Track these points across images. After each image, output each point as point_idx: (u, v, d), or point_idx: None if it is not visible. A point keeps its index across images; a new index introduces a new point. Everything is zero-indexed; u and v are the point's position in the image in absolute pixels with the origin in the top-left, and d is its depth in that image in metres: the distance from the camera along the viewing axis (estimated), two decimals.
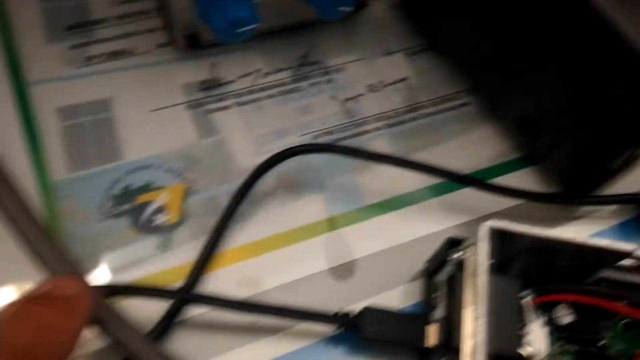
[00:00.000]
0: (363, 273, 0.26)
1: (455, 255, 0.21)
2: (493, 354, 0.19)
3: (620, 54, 0.22)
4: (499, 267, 0.22)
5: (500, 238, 0.21)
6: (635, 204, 0.28)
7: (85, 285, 0.19)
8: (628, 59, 0.21)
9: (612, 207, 0.28)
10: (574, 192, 0.28)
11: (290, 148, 0.26)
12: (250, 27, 0.26)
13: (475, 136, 0.30)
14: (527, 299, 0.21)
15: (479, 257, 0.20)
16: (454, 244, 0.22)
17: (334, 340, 0.25)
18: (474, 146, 0.30)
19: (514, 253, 0.22)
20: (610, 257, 0.21)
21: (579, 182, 0.27)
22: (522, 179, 0.29)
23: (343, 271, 0.26)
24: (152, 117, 0.29)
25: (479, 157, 0.30)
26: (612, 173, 0.26)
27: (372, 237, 0.27)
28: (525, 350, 0.20)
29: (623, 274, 0.22)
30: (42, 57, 0.29)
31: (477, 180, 0.28)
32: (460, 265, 0.21)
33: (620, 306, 0.21)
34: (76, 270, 0.21)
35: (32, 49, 0.29)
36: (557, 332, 0.24)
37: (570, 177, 0.27)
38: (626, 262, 0.22)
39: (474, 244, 0.21)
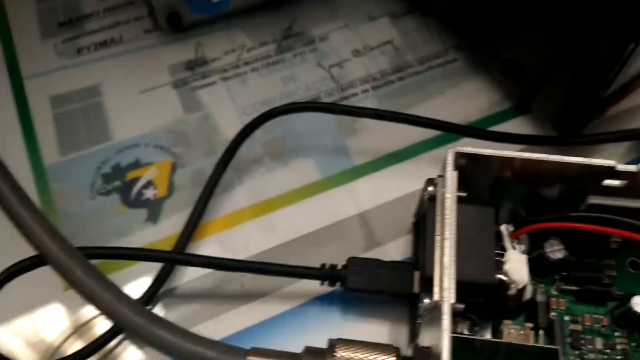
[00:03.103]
0: (356, 231, 0.26)
1: (429, 190, 0.21)
2: (467, 281, 0.19)
3: None
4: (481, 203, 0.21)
5: (473, 166, 0.20)
6: (629, 140, 0.26)
7: None
8: None
9: (612, 147, 0.27)
10: (568, 133, 0.26)
11: (271, 109, 0.26)
12: None
13: (464, 90, 0.29)
14: (506, 228, 0.20)
15: (447, 183, 0.19)
16: (431, 182, 0.22)
17: (323, 299, 0.25)
18: (464, 99, 0.29)
19: (489, 183, 0.21)
20: (592, 178, 0.20)
21: (569, 120, 0.26)
22: (516, 127, 0.28)
23: (334, 231, 0.26)
24: (140, 98, 0.29)
25: (470, 109, 0.29)
26: (601, 104, 0.25)
27: (365, 195, 0.27)
28: (503, 277, 0.19)
29: (612, 198, 0.21)
30: (37, 52, 0.30)
31: (471, 127, 0.27)
32: (433, 200, 0.20)
33: (610, 229, 0.20)
34: (67, 244, 0.21)
35: (27, 45, 0.30)
36: (553, 272, 0.23)
37: (560, 116, 0.26)
38: (612, 183, 0.20)
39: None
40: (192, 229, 0.25)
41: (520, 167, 0.20)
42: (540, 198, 0.22)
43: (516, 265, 0.19)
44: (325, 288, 0.24)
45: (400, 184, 0.27)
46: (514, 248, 0.20)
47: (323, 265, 0.23)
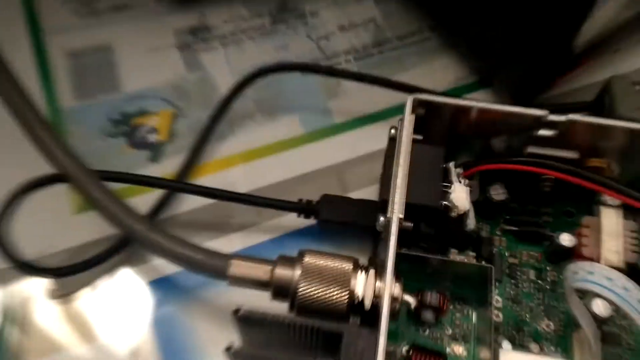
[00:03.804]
0: (332, 179, 0.30)
1: (391, 132, 0.24)
2: (415, 203, 0.22)
3: None
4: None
5: (431, 115, 0.24)
6: (579, 111, 0.30)
7: None
8: None
9: None
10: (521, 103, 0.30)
11: (261, 68, 0.30)
12: None
13: (436, 65, 0.33)
14: (453, 164, 0.24)
15: (404, 124, 0.23)
16: (394, 127, 0.25)
17: (301, 232, 0.28)
18: (435, 73, 0.33)
19: (445, 130, 0.25)
20: (529, 128, 0.24)
21: (524, 92, 0.30)
22: (479, 98, 0.32)
23: (312, 177, 0.30)
24: (148, 56, 0.33)
25: (441, 81, 0.33)
26: (553, 77, 0.29)
27: (341, 150, 0.30)
28: (447, 203, 0.23)
29: (547, 148, 0.25)
30: (58, 11, 0.34)
31: (440, 94, 0.31)
32: (394, 140, 0.24)
33: (540, 169, 0.24)
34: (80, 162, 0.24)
35: (49, 5, 0.34)
36: (497, 214, 0.27)
37: (517, 88, 0.30)
38: (545, 133, 0.24)
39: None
40: (188, 168, 0.29)
41: (471, 117, 0.24)
42: (491, 150, 0.26)
43: (459, 195, 0.23)
44: (303, 221, 0.27)
45: (374, 142, 0.30)
46: (459, 182, 0.23)
47: (300, 200, 0.27)
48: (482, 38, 0.30)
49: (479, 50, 0.31)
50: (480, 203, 0.26)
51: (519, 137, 0.25)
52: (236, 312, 0.20)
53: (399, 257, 0.21)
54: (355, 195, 0.29)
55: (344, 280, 0.22)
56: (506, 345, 0.24)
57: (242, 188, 0.29)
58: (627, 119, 0.27)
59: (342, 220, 0.26)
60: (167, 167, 0.30)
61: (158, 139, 0.31)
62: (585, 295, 0.23)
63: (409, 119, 0.23)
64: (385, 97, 0.31)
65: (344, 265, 0.22)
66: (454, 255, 0.25)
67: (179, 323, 0.26)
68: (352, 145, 0.31)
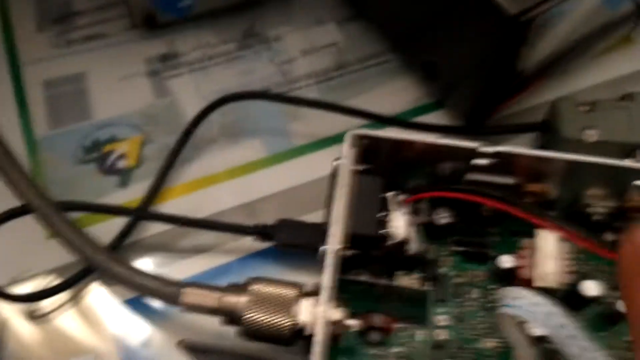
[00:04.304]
0: (287, 202, 0.31)
1: (334, 164, 0.26)
2: (355, 233, 0.24)
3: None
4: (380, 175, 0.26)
5: (369, 145, 0.25)
6: (528, 132, 0.31)
7: None
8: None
9: (515, 139, 0.32)
10: (474, 124, 0.32)
11: (224, 96, 0.31)
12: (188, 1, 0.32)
13: (394, 87, 0.35)
14: (392, 195, 0.25)
15: (343, 158, 0.24)
16: (337, 159, 0.27)
17: (260, 254, 0.30)
18: (394, 95, 0.34)
19: (388, 160, 0.26)
20: (466, 158, 0.25)
21: (475, 114, 0.31)
22: (434, 119, 0.33)
23: (270, 201, 0.31)
24: (119, 85, 0.34)
25: (398, 103, 0.34)
26: (502, 100, 0.30)
27: (304, 171, 0.32)
28: (384, 232, 0.24)
29: (486, 174, 0.26)
30: (33, 42, 0.36)
31: (395, 119, 0.32)
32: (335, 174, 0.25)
33: (474, 198, 0.25)
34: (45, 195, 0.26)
35: (25, 37, 0.36)
36: (444, 236, 0.28)
37: (468, 110, 0.31)
38: (480, 162, 0.25)
39: None
40: (154, 192, 0.31)
41: (414, 146, 0.26)
42: (435, 176, 0.27)
43: (396, 223, 0.24)
44: (261, 245, 0.29)
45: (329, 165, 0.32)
46: (396, 210, 0.25)
47: (257, 225, 0.28)
48: (433, 61, 0.32)
49: (431, 73, 0.32)
50: (429, 225, 0.27)
51: (462, 163, 0.26)
52: (180, 342, 0.21)
53: (346, 281, 0.22)
54: (314, 216, 0.30)
55: (287, 307, 0.23)
56: None
57: (206, 210, 0.31)
58: (569, 141, 0.29)
59: (296, 244, 0.28)
60: (135, 192, 0.31)
61: (127, 165, 0.32)
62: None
63: (347, 154, 0.24)
64: (342, 121, 0.32)
65: (288, 292, 0.24)
66: (400, 277, 0.27)
67: (153, 341, 0.28)
68: (311, 168, 0.32)
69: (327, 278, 0.22)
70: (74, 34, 0.36)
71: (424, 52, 0.32)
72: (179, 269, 0.29)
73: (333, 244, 0.22)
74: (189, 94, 0.34)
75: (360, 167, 0.25)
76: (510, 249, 0.27)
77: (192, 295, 0.24)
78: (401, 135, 0.25)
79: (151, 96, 0.34)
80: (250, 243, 0.29)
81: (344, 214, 0.23)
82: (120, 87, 0.34)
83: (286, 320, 0.23)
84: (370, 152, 0.26)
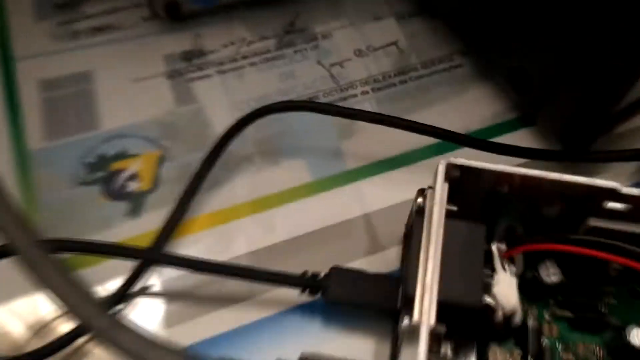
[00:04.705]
0: (344, 238, 0.25)
1: (418, 201, 0.19)
2: (450, 302, 0.17)
3: None
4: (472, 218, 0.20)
5: (466, 179, 0.19)
6: (638, 160, 0.25)
7: None
8: None
9: (619, 166, 0.26)
10: (574, 149, 0.25)
11: (263, 107, 0.25)
12: None
13: (468, 97, 0.28)
14: (497, 248, 0.19)
15: (436, 195, 0.18)
16: (421, 193, 0.20)
17: (304, 308, 0.23)
18: (467, 107, 0.28)
19: (483, 198, 0.20)
20: (594, 199, 0.19)
21: (576, 135, 0.25)
22: (519, 139, 0.27)
23: (319, 237, 0.25)
24: (133, 87, 0.28)
25: (473, 118, 0.28)
26: (611, 122, 0.23)
27: (355, 202, 0.26)
28: (490, 301, 0.18)
29: (614, 222, 0.20)
30: (30, 33, 0.30)
31: (473, 138, 0.26)
32: (421, 212, 0.19)
33: (610, 255, 0.19)
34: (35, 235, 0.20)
35: (21, 26, 0.30)
36: (547, 296, 0.22)
37: (567, 130, 0.25)
38: (615, 206, 0.19)
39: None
40: (173, 225, 0.24)
41: (518, 183, 0.19)
42: (539, 216, 0.21)
43: (505, 289, 0.18)
44: (306, 297, 0.23)
45: (393, 193, 0.26)
46: (504, 269, 0.18)
47: (304, 273, 0.22)
48: (527, 65, 0.25)
49: (521, 81, 0.25)
50: (526, 282, 0.21)
51: (578, 205, 0.20)
52: None
53: None
54: (373, 262, 0.24)
55: None
56: None
57: (235, 249, 0.25)
58: None
59: (355, 301, 0.22)
60: (148, 222, 0.25)
61: (139, 188, 0.26)
62: None
63: (441, 189, 0.18)
64: (407, 137, 0.25)
65: None
66: (494, 354, 0.20)
67: None
68: (368, 198, 0.26)
69: None
70: (80, 24, 0.30)
71: (512, 56, 0.26)
72: (201, 326, 0.23)
73: (427, 319, 0.16)
74: (218, 100, 0.28)
75: (454, 208, 0.19)
76: (632, 313, 0.21)
77: None
78: (512, 169, 0.19)
79: (171, 102, 0.28)
80: (290, 293, 0.23)
81: (437, 278, 0.17)
82: (133, 91, 0.28)
83: None
84: (458, 186, 0.20)
